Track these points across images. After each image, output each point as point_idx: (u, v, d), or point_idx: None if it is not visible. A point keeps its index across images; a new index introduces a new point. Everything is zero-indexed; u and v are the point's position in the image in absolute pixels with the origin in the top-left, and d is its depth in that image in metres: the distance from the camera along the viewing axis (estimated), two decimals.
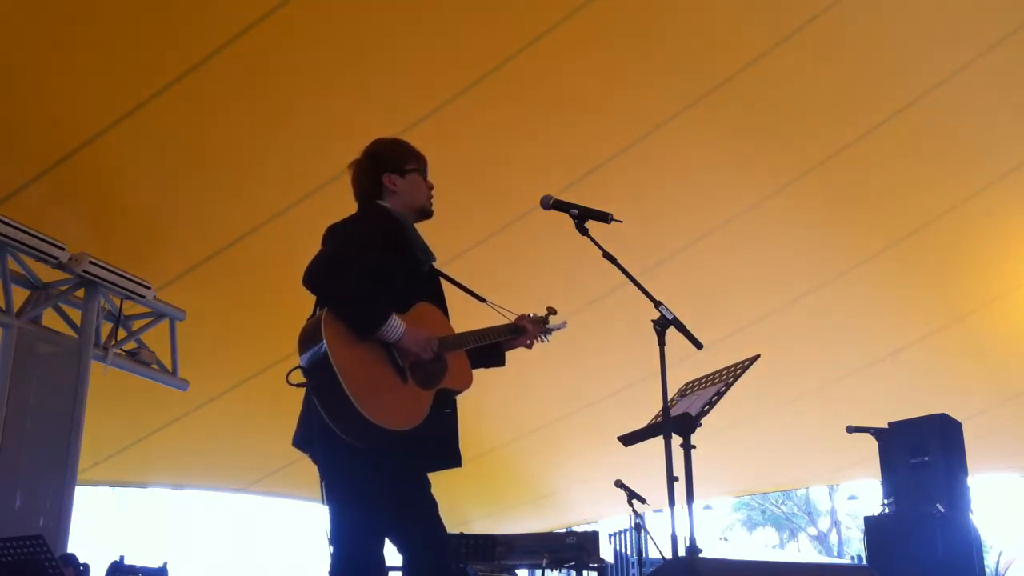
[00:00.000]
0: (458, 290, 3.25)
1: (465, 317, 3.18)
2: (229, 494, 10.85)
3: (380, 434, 2.65)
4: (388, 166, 3.09)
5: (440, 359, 2.91)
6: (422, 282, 3.06)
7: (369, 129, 5.73)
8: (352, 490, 2.76)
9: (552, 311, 3.36)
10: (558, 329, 3.37)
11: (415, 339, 2.77)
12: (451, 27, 5.40)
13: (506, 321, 3.23)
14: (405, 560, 2.89)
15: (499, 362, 3.29)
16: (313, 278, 2.73)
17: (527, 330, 3.26)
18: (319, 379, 2.65)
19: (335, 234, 2.90)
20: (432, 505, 2.92)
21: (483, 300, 3.23)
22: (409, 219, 3.08)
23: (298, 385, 2.75)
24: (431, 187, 3.16)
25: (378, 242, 2.89)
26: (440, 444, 2.96)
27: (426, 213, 3.14)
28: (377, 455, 2.73)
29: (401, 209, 3.07)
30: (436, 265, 3.16)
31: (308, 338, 2.69)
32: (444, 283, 3.19)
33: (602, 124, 6.19)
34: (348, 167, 3.16)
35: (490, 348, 3.19)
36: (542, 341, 3.33)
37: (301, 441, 2.90)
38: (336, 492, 2.78)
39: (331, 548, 2.77)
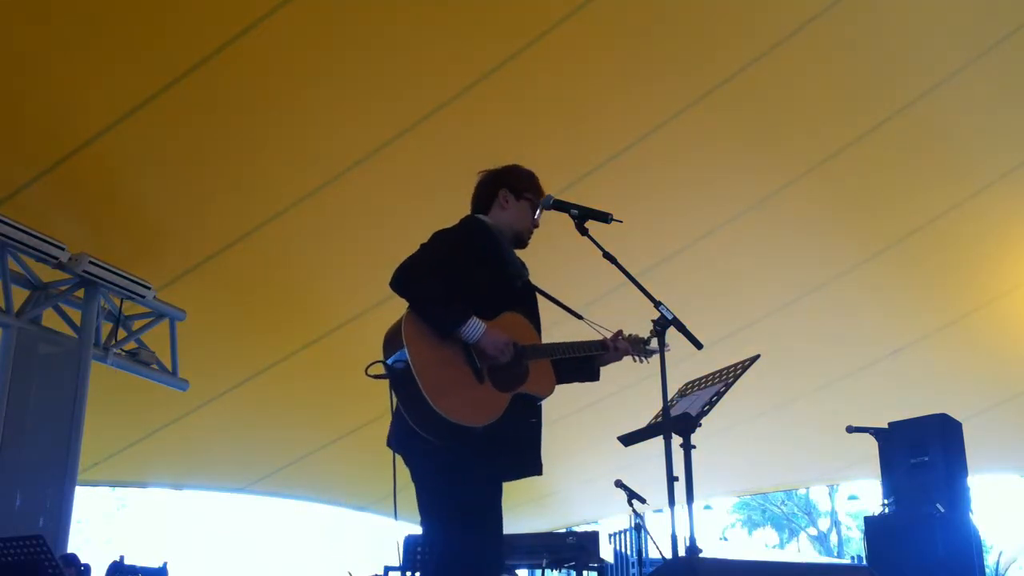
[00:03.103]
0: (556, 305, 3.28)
1: (562, 332, 3.20)
2: (229, 494, 10.84)
3: (455, 430, 2.72)
4: (509, 183, 3.22)
5: (521, 364, 2.95)
6: (516, 298, 3.11)
7: (369, 130, 5.79)
8: (438, 497, 2.83)
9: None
10: (657, 352, 3.24)
11: (493, 341, 2.83)
12: (451, 27, 5.40)
13: (599, 337, 3.24)
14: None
15: (592, 377, 3.32)
16: (398, 278, 2.83)
17: (619, 347, 3.24)
18: (399, 376, 2.74)
19: (432, 240, 3.00)
20: (486, 514, 2.91)
21: (580, 317, 3.26)
22: (505, 237, 3.17)
23: (376, 377, 2.82)
24: (536, 225, 3.26)
25: (470, 252, 2.98)
26: (522, 452, 2.99)
27: (522, 242, 3.24)
28: (459, 458, 2.78)
29: (502, 227, 3.17)
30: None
31: (391, 336, 2.80)
32: (541, 299, 3.24)
33: (602, 124, 6.19)
34: (477, 173, 3.28)
35: (583, 363, 3.23)
36: (639, 361, 3.32)
37: (391, 441, 2.96)
38: (426, 496, 2.85)
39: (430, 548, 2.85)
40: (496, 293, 3.01)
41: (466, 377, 2.82)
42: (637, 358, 3.32)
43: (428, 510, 2.86)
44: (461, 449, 2.78)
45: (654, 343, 3.30)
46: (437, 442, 2.75)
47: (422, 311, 2.80)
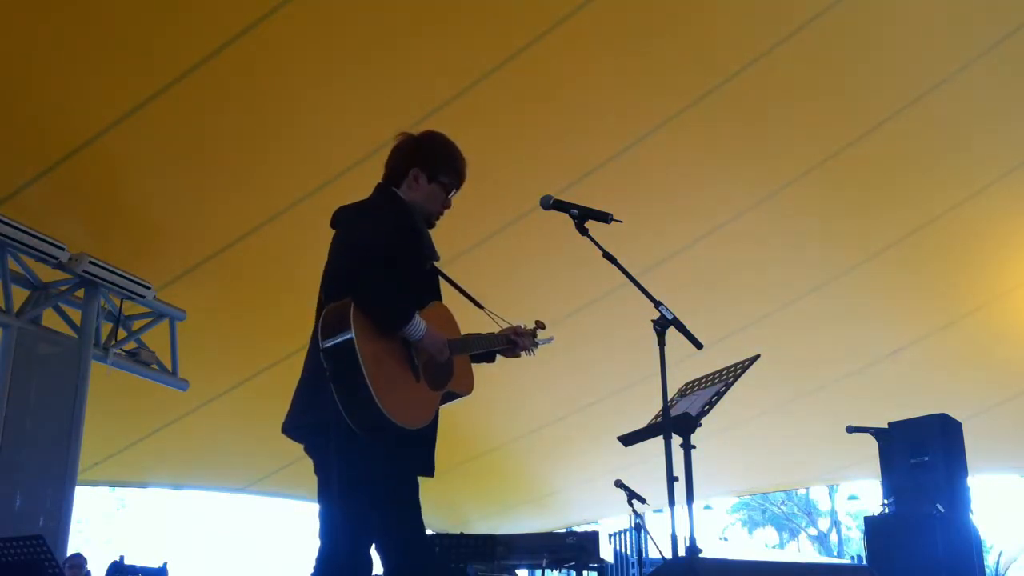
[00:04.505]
0: (450, 289, 3.23)
1: (457, 318, 3.17)
2: (229, 494, 10.85)
3: (391, 429, 2.62)
4: (424, 163, 3.04)
5: (449, 362, 2.91)
6: (426, 281, 3.04)
7: (368, 130, 5.79)
8: (357, 486, 2.72)
9: (541, 325, 3.31)
10: (544, 343, 3.31)
11: (434, 340, 2.77)
12: (451, 27, 5.40)
13: (497, 328, 3.20)
14: (387, 564, 2.85)
15: (490, 359, 3.26)
16: (344, 269, 2.71)
17: (520, 343, 3.20)
18: (340, 366, 2.60)
19: (354, 221, 2.85)
20: (419, 509, 2.91)
21: (480, 306, 3.21)
22: (419, 216, 3.06)
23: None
24: (447, 206, 3.12)
25: (396, 234, 2.87)
26: (430, 449, 2.94)
27: (429, 223, 3.11)
28: (386, 453, 2.72)
29: (414, 205, 3.04)
30: (437, 265, 3.15)
31: (335, 323, 2.63)
32: (443, 283, 3.18)
33: (602, 124, 6.19)
34: (397, 135, 3.12)
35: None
36: (530, 355, 3.27)
37: (296, 429, 2.86)
38: (338, 485, 2.72)
39: (319, 542, 2.73)
40: (416, 279, 2.94)
41: (406, 373, 2.74)
42: (528, 352, 3.24)
43: (336, 498, 2.73)
44: (383, 442, 2.69)
45: (540, 335, 3.29)
46: (361, 433, 2.62)
47: (369, 306, 2.64)
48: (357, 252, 2.71)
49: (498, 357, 3.27)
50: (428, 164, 3.04)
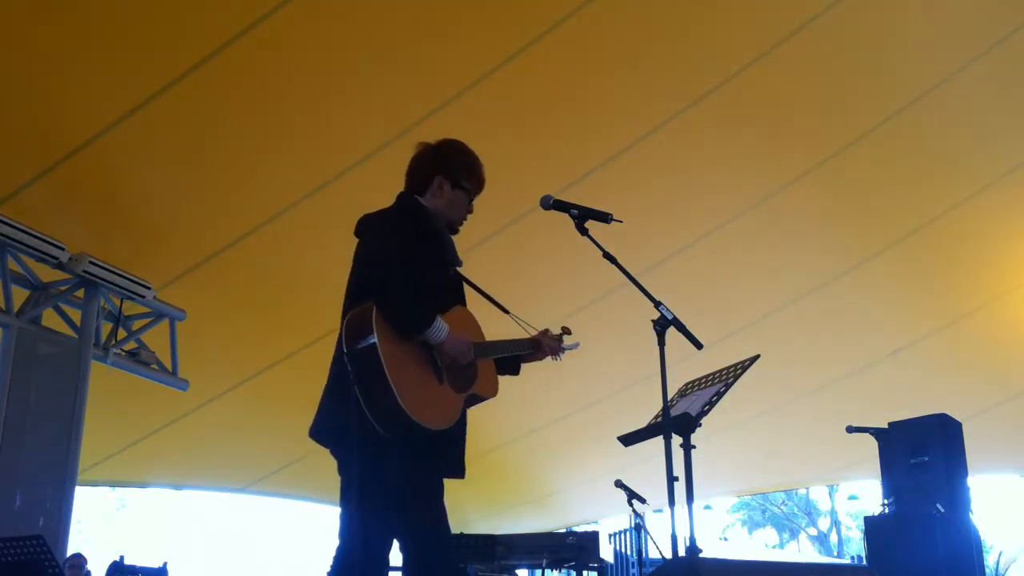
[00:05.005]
0: (474, 294, 3.25)
1: (483, 325, 3.19)
2: (229, 494, 10.85)
3: (414, 430, 2.65)
4: (447, 170, 3.09)
5: (472, 365, 2.93)
6: (449, 287, 3.07)
7: (369, 130, 5.79)
8: (377, 487, 2.73)
9: (567, 331, 3.36)
10: (571, 349, 3.37)
11: (456, 343, 2.80)
12: (451, 27, 5.40)
13: (525, 334, 3.23)
14: (408, 560, 2.87)
15: (515, 371, 3.30)
16: (366, 276, 2.76)
17: (547, 346, 3.25)
18: (364, 369, 2.64)
19: (376, 229, 2.89)
20: (443, 509, 2.94)
21: (506, 311, 3.23)
22: (441, 223, 3.10)
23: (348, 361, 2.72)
24: (470, 211, 3.17)
25: (418, 240, 2.92)
26: (457, 452, 2.97)
27: (453, 230, 3.15)
28: (408, 454, 2.74)
29: (436, 212, 3.08)
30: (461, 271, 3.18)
31: (358, 327, 2.68)
32: (467, 289, 3.20)
33: (602, 124, 6.19)
34: (416, 144, 3.16)
35: (510, 359, 3.22)
36: (556, 359, 3.32)
37: (322, 433, 2.88)
38: (359, 486, 2.73)
39: (338, 541, 2.76)
40: (437, 284, 2.97)
41: (429, 376, 2.77)
42: (555, 357, 3.29)
43: (354, 498, 2.74)
44: (407, 445, 2.72)
45: (567, 340, 3.33)
46: (385, 435, 2.65)
47: (390, 310, 2.68)
48: (378, 259, 2.76)
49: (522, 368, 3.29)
50: (451, 171, 3.10)
